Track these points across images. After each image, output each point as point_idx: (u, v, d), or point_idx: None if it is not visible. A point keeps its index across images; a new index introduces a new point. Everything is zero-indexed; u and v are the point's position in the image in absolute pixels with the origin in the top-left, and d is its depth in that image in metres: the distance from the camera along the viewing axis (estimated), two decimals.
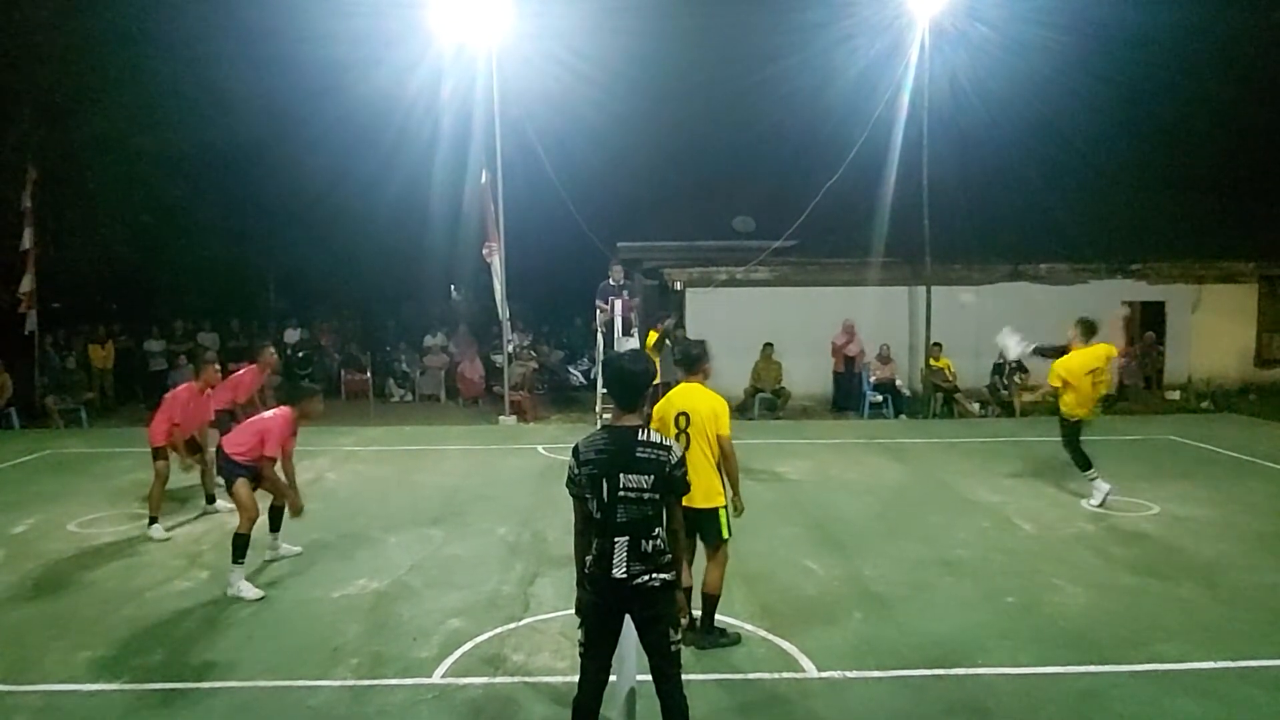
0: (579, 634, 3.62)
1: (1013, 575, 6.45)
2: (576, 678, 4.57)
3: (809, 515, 8.17)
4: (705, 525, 5.03)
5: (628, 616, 3.62)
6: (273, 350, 9.92)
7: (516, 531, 7.67)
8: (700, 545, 5.10)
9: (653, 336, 11.40)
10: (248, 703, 4.60)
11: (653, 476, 3.45)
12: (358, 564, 6.80)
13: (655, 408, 5.25)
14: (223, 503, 8.21)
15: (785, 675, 4.85)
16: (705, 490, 4.93)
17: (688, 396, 5.17)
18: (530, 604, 5.92)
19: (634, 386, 3.62)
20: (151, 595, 6.17)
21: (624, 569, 3.44)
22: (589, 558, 3.54)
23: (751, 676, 4.81)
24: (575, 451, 3.59)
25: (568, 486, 3.60)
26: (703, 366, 5.31)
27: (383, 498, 8.95)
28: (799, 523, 7.92)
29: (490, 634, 5.40)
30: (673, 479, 3.50)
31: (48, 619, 5.71)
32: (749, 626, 5.46)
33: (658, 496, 3.47)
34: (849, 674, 4.85)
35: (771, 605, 5.85)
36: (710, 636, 5.16)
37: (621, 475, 3.45)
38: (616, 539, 3.46)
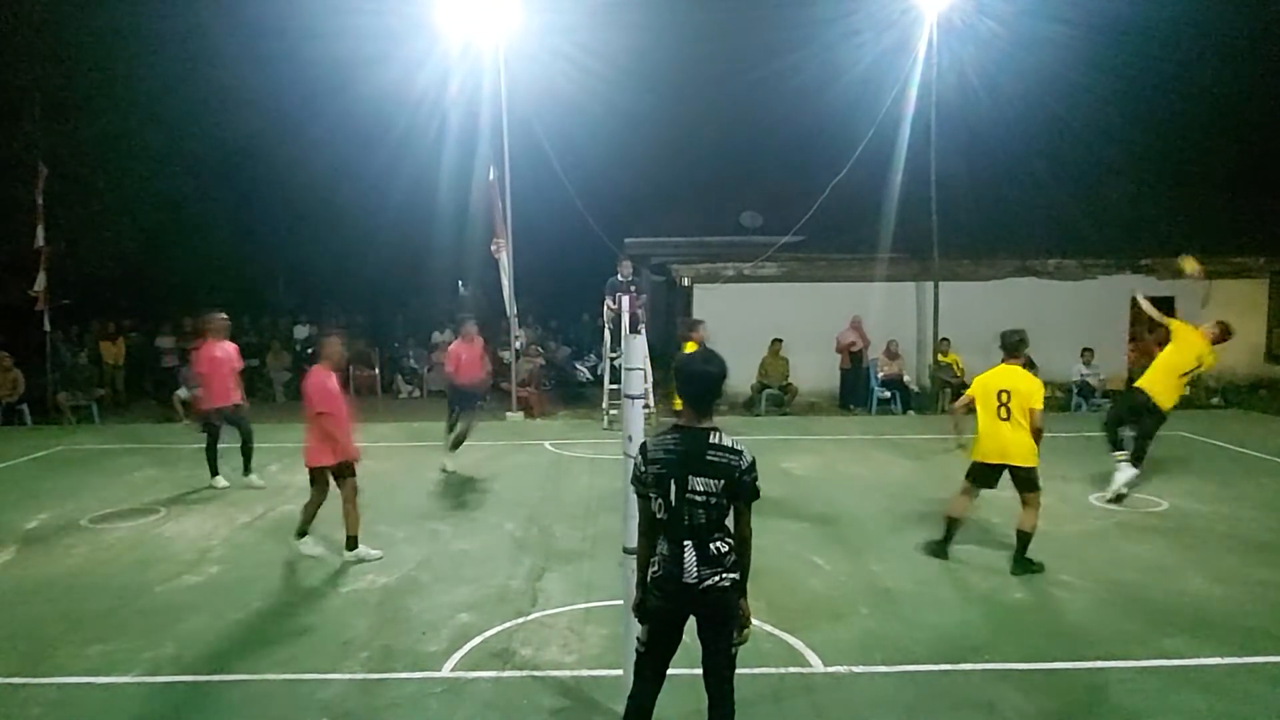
0: (639, 633, 3.58)
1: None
2: (585, 672, 4.60)
3: (816, 511, 8.18)
4: (1024, 479, 6.36)
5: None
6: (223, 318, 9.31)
7: (524, 527, 7.70)
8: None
9: (690, 347, 10.35)
10: (259, 695, 4.65)
11: (723, 481, 3.37)
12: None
13: (975, 381, 6.70)
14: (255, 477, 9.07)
15: (791, 670, 4.87)
16: (1028, 451, 6.29)
17: (1009, 376, 6.45)
18: (538, 599, 5.95)
19: (710, 389, 3.55)
20: (163, 589, 6.23)
21: (695, 573, 3.40)
22: (656, 560, 3.49)
23: (757, 671, 4.82)
24: (643, 450, 3.54)
25: (633, 484, 3.55)
26: (1022, 352, 6.64)
27: (391, 493, 9.00)
28: (806, 518, 7.93)
29: (499, 628, 5.43)
30: (742, 484, 3.39)
31: (61, 613, 5.77)
32: (755, 621, 5.43)
33: (725, 501, 3.40)
34: (855, 669, 4.87)
35: (778, 601, 5.86)
36: (1021, 564, 6.33)
37: (690, 477, 3.38)
38: (684, 542, 3.41)
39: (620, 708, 3.98)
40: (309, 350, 17.57)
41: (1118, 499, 8.20)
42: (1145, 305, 8.90)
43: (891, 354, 15.03)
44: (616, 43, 16.61)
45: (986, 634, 5.33)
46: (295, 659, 5.04)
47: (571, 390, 17.42)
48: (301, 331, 18.49)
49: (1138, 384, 8.41)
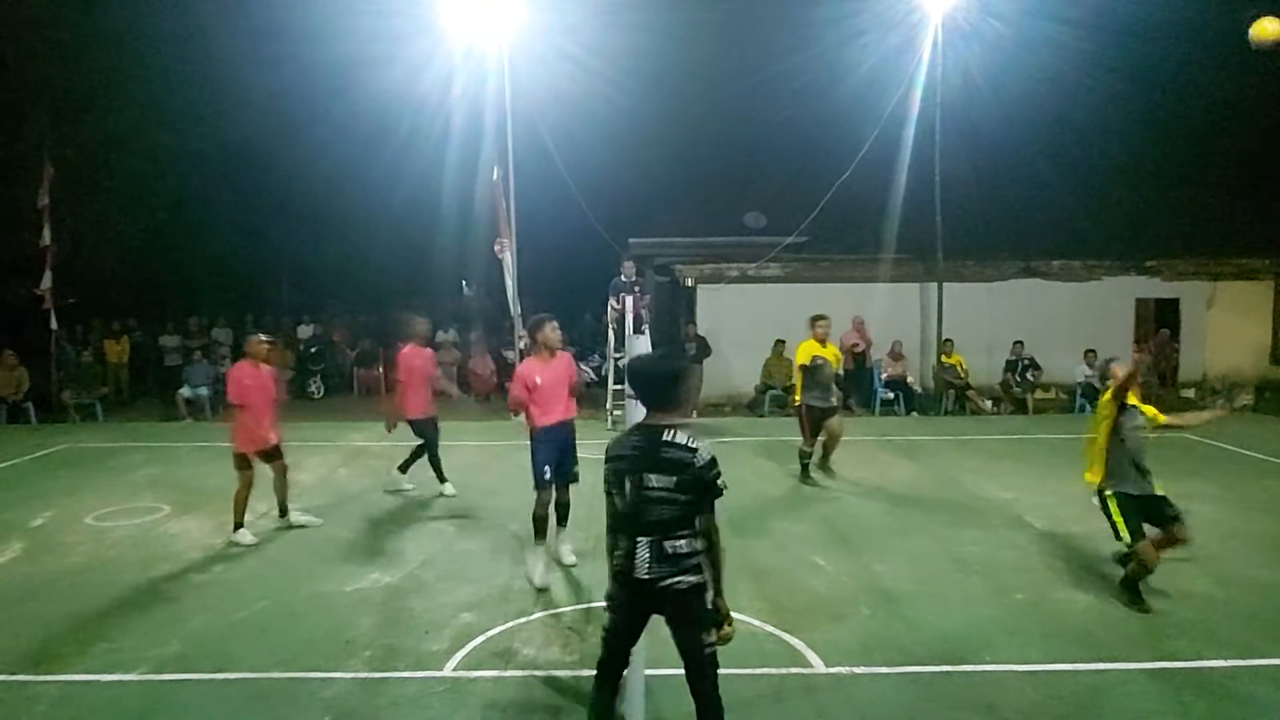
0: (605, 619, 3.64)
1: (1022, 572, 6.45)
2: (586, 671, 4.59)
3: (818, 512, 8.18)
4: None
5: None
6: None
7: (527, 526, 7.70)
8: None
9: (810, 344, 9.07)
10: (262, 694, 4.66)
11: (676, 478, 3.38)
12: (370, 558, 6.87)
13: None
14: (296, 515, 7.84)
15: (793, 670, 4.87)
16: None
17: None
18: (540, 598, 5.96)
19: (655, 386, 3.55)
20: (167, 587, 6.26)
21: (647, 569, 3.43)
22: (617, 554, 3.54)
23: (759, 671, 4.84)
24: (608, 448, 3.59)
25: (603, 482, 3.59)
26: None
27: (395, 493, 9.02)
28: (808, 519, 7.94)
29: (501, 628, 5.45)
30: (700, 482, 3.39)
31: (65, 611, 5.79)
32: (756, 622, 5.48)
33: (683, 498, 3.40)
34: (856, 670, 4.87)
35: (780, 601, 5.87)
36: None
37: (646, 474, 3.41)
38: (640, 538, 3.44)
39: (621, 708, 3.99)
40: (313, 350, 17.65)
41: None
42: None
43: (895, 355, 15.03)
44: (621, 43, 16.61)
45: (988, 635, 5.33)
46: (298, 658, 5.06)
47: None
48: (305, 331, 18.52)
49: None
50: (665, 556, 3.42)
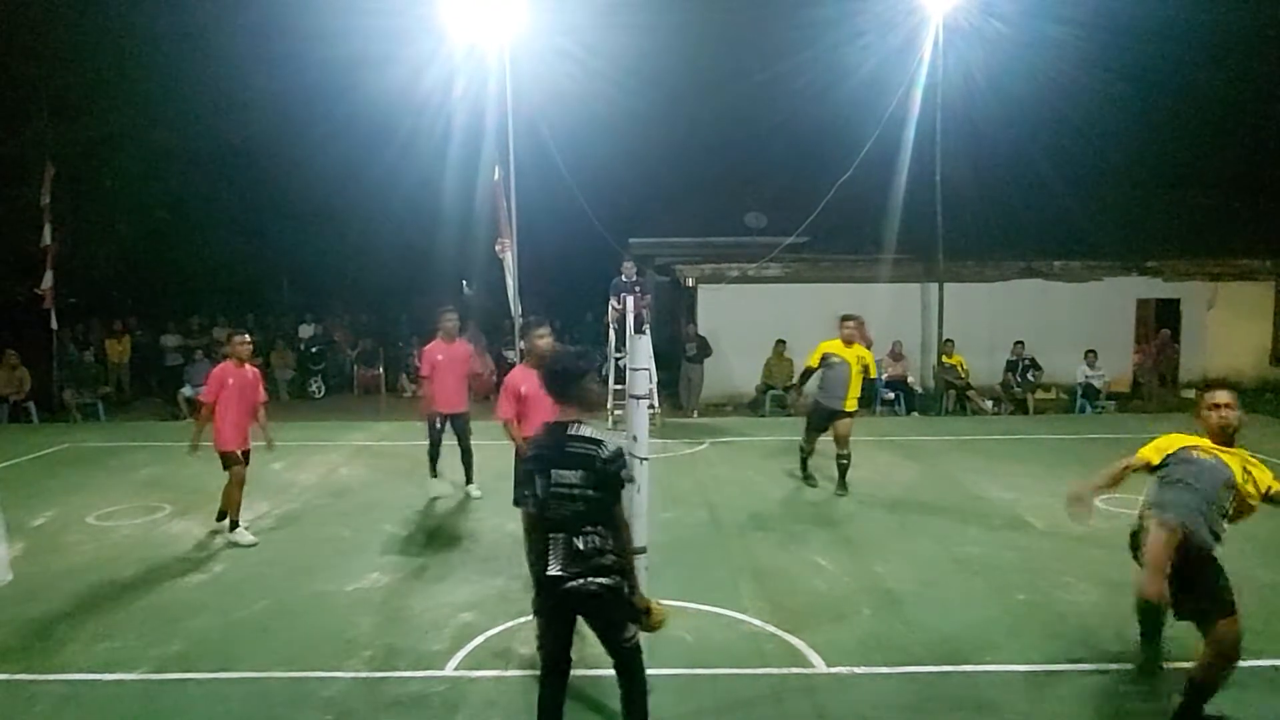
0: (536, 626, 3.68)
1: (1023, 573, 6.45)
2: (585, 672, 4.61)
3: (819, 512, 8.19)
4: None
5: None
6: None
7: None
8: None
9: (832, 344, 8.96)
10: (263, 693, 4.67)
11: (582, 471, 3.39)
12: (370, 558, 6.87)
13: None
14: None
15: (793, 670, 4.87)
16: None
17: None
18: None
19: (559, 384, 3.59)
20: (168, 587, 6.26)
21: (558, 567, 3.43)
22: (532, 556, 3.57)
23: (759, 671, 4.83)
24: (525, 455, 3.64)
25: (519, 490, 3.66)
26: None
27: (395, 492, 9.02)
28: (809, 519, 7.94)
29: (501, 628, 5.45)
30: (605, 474, 3.38)
31: (68, 610, 5.80)
32: (757, 622, 5.48)
33: (591, 493, 3.39)
34: (857, 670, 4.87)
35: (781, 601, 5.86)
36: None
37: (553, 470, 3.43)
38: (551, 535, 3.46)
39: (619, 707, 3.99)
40: (313, 350, 17.66)
41: None
42: None
43: (896, 355, 15.03)
44: (622, 43, 16.62)
45: (989, 635, 5.34)
46: (299, 657, 5.06)
47: None
48: (306, 331, 18.53)
49: None
50: (575, 554, 3.42)
